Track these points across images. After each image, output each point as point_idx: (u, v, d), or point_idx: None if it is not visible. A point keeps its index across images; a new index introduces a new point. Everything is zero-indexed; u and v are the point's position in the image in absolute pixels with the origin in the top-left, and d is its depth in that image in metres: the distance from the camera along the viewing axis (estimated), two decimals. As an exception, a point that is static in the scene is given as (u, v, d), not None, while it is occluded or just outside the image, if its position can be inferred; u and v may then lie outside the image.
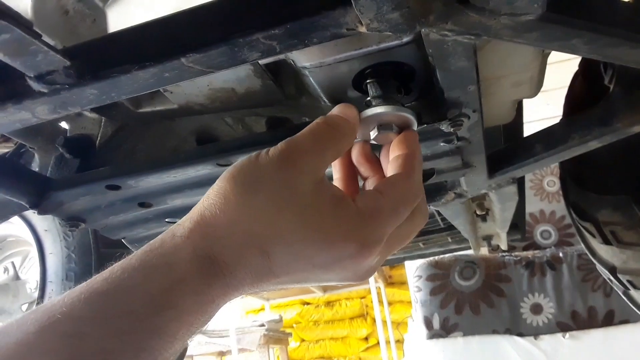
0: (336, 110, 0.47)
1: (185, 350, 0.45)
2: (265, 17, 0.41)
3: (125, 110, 0.68)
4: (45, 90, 0.44)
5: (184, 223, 0.39)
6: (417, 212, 0.45)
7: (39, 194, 0.66)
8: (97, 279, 0.35)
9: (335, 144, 0.44)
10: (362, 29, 0.41)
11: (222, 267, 0.38)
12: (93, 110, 0.71)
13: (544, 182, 2.52)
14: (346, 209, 0.40)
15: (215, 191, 0.40)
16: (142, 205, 0.71)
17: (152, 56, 0.42)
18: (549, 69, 0.66)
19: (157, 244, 0.38)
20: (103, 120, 0.72)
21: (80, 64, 0.43)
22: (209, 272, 0.37)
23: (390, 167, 0.47)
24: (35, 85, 0.43)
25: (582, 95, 0.89)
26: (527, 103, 0.89)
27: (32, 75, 0.43)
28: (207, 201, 0.40)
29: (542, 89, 0.69)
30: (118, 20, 0.54)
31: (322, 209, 0.40)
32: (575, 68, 0.95)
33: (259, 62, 0.55)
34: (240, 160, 0.42)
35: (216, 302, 0.38)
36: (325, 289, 4.97)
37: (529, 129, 0.80)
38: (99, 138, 0.72)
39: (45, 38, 0.43)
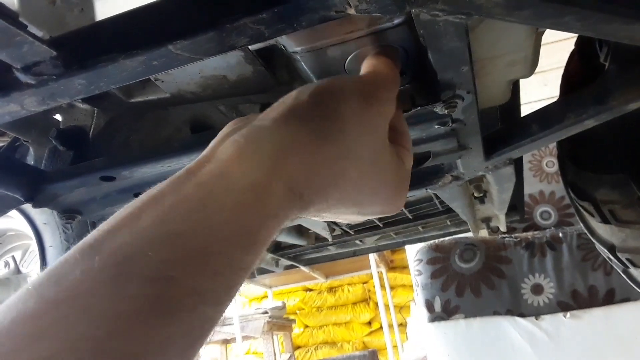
0: (382, 60, 0.48)
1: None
2: (252, 1, 0.40)
3: (117, 100, 0.67)
4: (33, 82, 0.43)
5: (272, 145, 0.35)
6: None
7: (33, 187, 0.65)
8: (171, 217, 0.30)
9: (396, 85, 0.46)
10: (351, 11, 0.40)
11: (303, 203, 0.36)
12: (85, 101, 0.70)
13: (543, 163, 2.51)
14: (401, 166, 0.45)
15: (309, 111, 0.38)
16: (138, 195, 0.71)
17: (139, 44, 0.41)
18: (546, 50, 0.65)
19: (238, 168, 0.33)
20: (95, 112, 0.72)
21: (66, 54, 0.42)
22: (295, 207, 0.36)
23: None
24: (23, 77, 0.43)
25: (578, 74, 0.88)
26: (525, 84, 0.88)
27: (18, 67, 0.42)
28: (297, 121, 0.37)
29: (540, 70, 0.69)
30: (105, 8, 0.53)
31: (392, 165, 0.43)
32: (573, 47, 0.94)
33: (250, 48, 0.55)
34: (327, 87, 0.40)
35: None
36: (327, 275, 4.99)
37: (527, 110, 0.79)
38: (92, 129, 0.72)
39: (32, 29, 0.42)
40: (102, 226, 0.31)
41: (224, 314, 0.32)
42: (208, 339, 0.31)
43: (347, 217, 0.44)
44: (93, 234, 0.30)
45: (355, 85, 0.42)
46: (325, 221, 1.21)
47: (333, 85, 0.41)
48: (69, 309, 0.26)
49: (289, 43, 0.52)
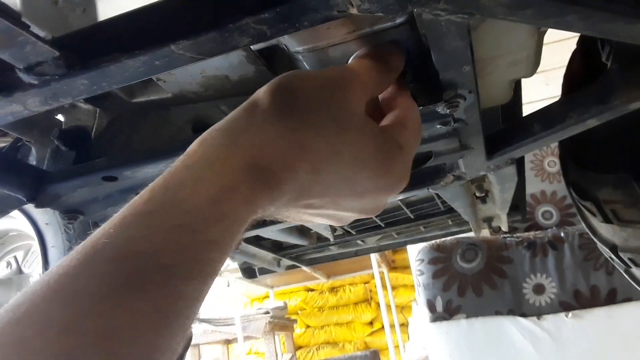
0: (386, 48, 0.48)
1: (190, 339, 0.44)
2: (254, 1, 0.40)
3: (119, 100, 0.67)
4: (35, 82, 0.43)
5: (228, 127, 0.37)
6: None
7: (35, 187, 0.66)
8: (136, 202, 0.32)
9: (382, 77, 0.46)
10: (353, 11, 0.40)
11: (271, 178, 0.36)
12: (87, 101, 0.70)
13: (544, 163, 2.51)
14: (391, 142, 0.43)
15: (265, 96, 0.38)
16: (140, 195, 0.71)
17: (142, 44, 0.41)
18: (548, 49, 0.65)
19: (198, 154, 0.35)
20: (98, 112, 0.72)
21: (69, 54, 0.42)
22: (258, 181, 0.35)
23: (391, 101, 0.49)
24: (25, 77, 0.43)
25: (580, 74, 0.88)
26: (526, 84, 0.88)
27: (21, 67, 0.42)
28: (255, 108, 0.38)
29: (542, 69, 0.69)
30: (107, 8, 0.53)
31: (374, 138, 0.41)
32: (575, 47, 0.94)
33: (252, 48, 0.55)
34: (287, 75, 0.41)
35: (258, 214, 0.36)
36: (328, 275, 4.99)
37: (529, 110, 0.79)
38: (94, 129, 0.72)
39: (35, 29, 0.42)
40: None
41: (202, 293, 0.32)
42: (187, 319, 0.31)
43: (344, 202, 0.43)
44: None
45: (318, 73, 0.42)
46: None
47: (293, 74, 0.41)
48: (44, 294, 0.28)
49: (291, 43, 0.52)
